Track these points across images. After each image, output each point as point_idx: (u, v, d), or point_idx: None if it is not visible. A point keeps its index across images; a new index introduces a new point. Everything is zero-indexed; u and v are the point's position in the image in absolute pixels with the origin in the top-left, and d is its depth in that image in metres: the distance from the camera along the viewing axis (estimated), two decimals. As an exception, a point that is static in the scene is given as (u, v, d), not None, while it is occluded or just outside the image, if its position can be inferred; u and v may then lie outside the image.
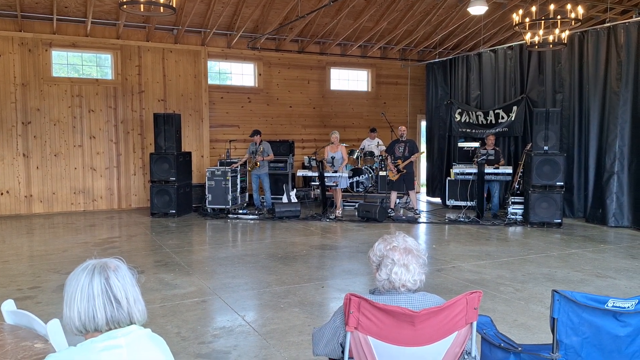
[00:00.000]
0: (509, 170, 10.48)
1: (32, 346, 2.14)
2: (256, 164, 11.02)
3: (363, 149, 12.74)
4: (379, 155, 12.34)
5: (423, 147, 14.47)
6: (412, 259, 2.24)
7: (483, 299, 5.36)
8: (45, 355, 2.05)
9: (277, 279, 6.17)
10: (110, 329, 1.73)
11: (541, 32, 8.53)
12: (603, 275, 6.29)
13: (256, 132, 11.09)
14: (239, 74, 13.39)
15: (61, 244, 8.29)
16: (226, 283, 5.99)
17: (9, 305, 2.51)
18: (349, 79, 14.65)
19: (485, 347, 2.70)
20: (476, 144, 11.87)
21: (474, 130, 12.52)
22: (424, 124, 14.91)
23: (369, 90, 14.78)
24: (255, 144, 11.10)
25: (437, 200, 13.29)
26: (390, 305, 2.14)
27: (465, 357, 2.28)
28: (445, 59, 13.80)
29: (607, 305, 2.27)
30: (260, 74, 13.27)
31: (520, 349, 2.53)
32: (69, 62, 11.76)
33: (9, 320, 2.48)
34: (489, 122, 12.15)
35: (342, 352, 2.26)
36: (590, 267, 6.67)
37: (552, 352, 2.35)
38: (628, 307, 2.27)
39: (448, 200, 12.05)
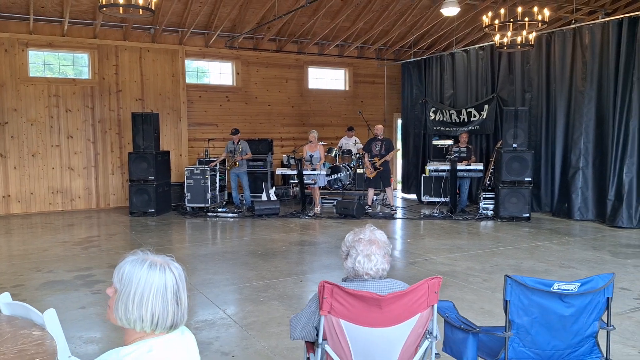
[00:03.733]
0: (480, 167, 10.82)
1: (30, 333, 2.32)
2: (235, 164, 11.19)
3: (341, 147, 12.99)
4: (357, 154, 12.59)
5: (399, 145, 14.77)
6: (376, 249, 2.47)
7: (453, 288, 5.65)
8: (43, 340, 2.24)
9: (257, 274, 6.37)
10: (171, 330, 1.77)
11: (509, 33, 8.83)
12: (566, 265, 6.62)
13: (237, 131, 11.28)
14: (217, 72, 13.52)
15: (41, 243, 8.36)
16: (207, 279, 6.17)
17: (5, 297, 2.69)
18: (327, 78, 14.86)
19: (447, 328, 2.94)
20: (450, 142, 12.18)
21: (447, 129, 12.84)
22: (400, 122, 15.20)
23: (347, 89, 15.02)
24: (234, 142, 11.27)
25: (413, 196, 13.58)
26: (360, 290, 2.37)
27: (428, 336, 2.52)
28: (420, 58, 14.10)
29: (553, 288, 2.52)
30: (238, 73, 13.41)
31: (478, 329, 2.78)
32: (46, 62, 11.78)
33: (6, 312, 2.65)
34: (462, 120, 12.48)
35: (317, 334, 2.48)
36: (554, 258, 7.00)
37: (505, 331, 2.60)
38: (572, 290, 2.53)
39: (423, 196, 12.35)
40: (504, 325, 2.63)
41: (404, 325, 2.43)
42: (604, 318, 2.73)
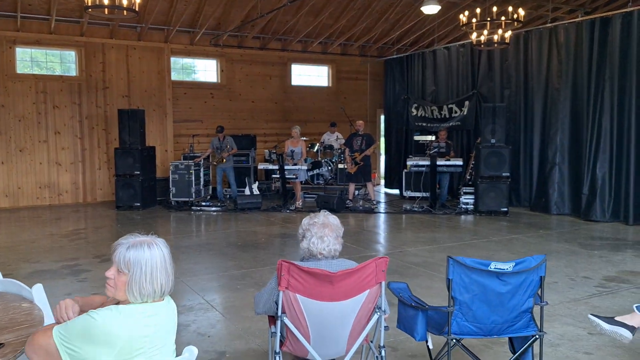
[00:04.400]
0: (459, 162, 11.09)
1: (19, 305, 2.57)
2: (222, 160, 11.42)
3: (323, 142, 13.23)
4: (338, 149, 12.83)
5: (382, 140, 15.03)
6: (329, 232, 2.73)
7: (423, 277, 5.91)
8: (31, 311, 2.47)
9: (236, 264, 6.61)
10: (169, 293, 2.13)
11: (485, 32, 9.10)
12: (535, 256, 6.89)
13: (222, 129, 11.52)
14: (202, 70, 13.72)
15: (29, 235, 8.55)
16: (188, 268, 6.40)
17: (-5, 276, 2.93)
18: (310, 75, 15.09)
19: (401, 306, 3.19)
20: (431, 138, 12.45)
21: (429, 124, 13.11)
22: (383, 118, 15.46)
23: (330, 85, 15.25)
24: (219, 139, 11.49)
25: (396, 191, 13.83)
26: (313, 267, 2.62)
27: (377, 310, 2.77)
28: (402, 55, 14.35)
29: (490, 268, 2.78)
30: (222, 70, 13.61)
31: (427, 307, 3.03)
32: (33, 59, 11.92)
33: (-3, 288, 2.88)
34: (443, 116, 12.75)
35: (277, 309, 2.72)
36: (525, 250, 7.27)
37: (449, 307, 2.85)
38: (507, 269, 2.79)
39: (405, 191, 12.58)
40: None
41: (354, 300, 2.67)
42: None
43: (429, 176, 11.08)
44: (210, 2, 11.82)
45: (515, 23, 9.01)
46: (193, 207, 11.04)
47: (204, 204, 11.27)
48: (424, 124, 13.25)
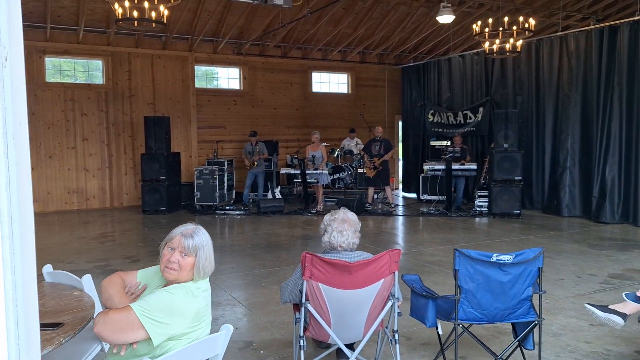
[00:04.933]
0: (474, 166, 11.37)
1: (71, 293, 2.93)
2: (254, 164, 11.89)
3: (343, 147, 13.59)
4: (358, 154, 13.18)
5: (400, 145, 15.35)
6: (348, 227, 3.08)
7: (438, 275, 6.23)
8: (82, 298, 2.84)
9: (260, 263, 6.98)
10: None
11: (497, 41, 9.39)
12: (545, 256, 7.13)
13: (255, 133, 12.03)
14: (225, 77, 14.17)
15: (60, 238, 8.98)
16: (215, 268, 6.74)
17: (48, 268, 3.33)
18: (330, 82, 15.48)
19: (413, 296, 3.53)
20: (447, 143, 12.74)
21: (445, 130, 13.41)
22: (401, 124, 15.78)
23: (349, 92, 15.62)
24: (252, 144, 11.95)
25: (414, 195, 14.13)
26: (334, 259, 2.97)
27: (391, 297, 3.11)
28: (419, 63, 14.67)
29: (492, 259, 3.10)
30: (245, 78, 14.04)
31: (436, 295, 3.36)
32: (62, 68, 12.45)
33: (48, 279, 3.27)
34: (458, 122, 13.04)
35: (301, 297, 3.07)
36: (536, 251, 7.53)
37: (456, 295, 3.18)
38: (507, 260, 3.11)
39: (422, 195, 12.90)
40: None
41: (371, 288, 3.01)
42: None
43: (444, 180, 11.38)
44: (233, 12, 12.25)
45: (526, 32, 9.29)
46: (217, 211, 11.45)
47: (227, 207, 11.67)
48: (440, 130, 13.55)
